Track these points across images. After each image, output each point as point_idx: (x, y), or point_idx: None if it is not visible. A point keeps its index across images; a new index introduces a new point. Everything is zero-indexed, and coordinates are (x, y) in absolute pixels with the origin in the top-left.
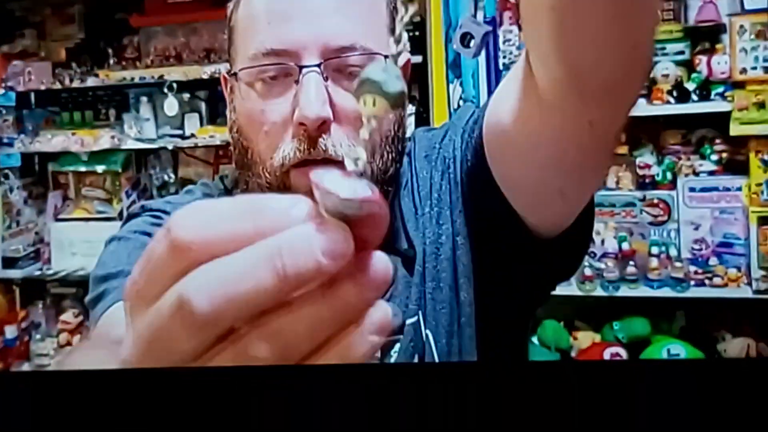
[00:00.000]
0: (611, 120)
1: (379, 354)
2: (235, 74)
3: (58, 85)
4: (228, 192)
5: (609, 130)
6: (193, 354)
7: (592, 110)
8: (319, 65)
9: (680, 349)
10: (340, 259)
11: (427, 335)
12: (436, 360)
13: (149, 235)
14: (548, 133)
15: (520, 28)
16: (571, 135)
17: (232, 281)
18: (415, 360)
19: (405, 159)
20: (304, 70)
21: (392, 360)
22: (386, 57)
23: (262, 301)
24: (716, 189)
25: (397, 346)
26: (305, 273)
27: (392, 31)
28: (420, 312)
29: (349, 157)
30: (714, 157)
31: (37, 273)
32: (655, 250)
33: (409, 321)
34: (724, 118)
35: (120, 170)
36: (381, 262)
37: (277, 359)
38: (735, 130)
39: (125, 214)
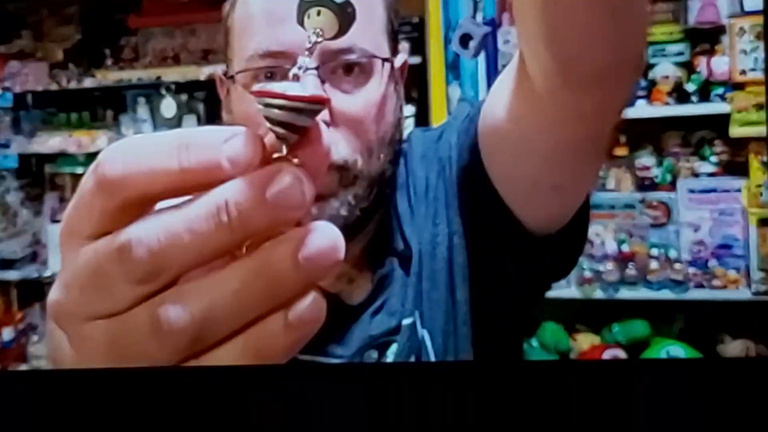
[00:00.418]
0: (605, 112)
1: (376, 354)
2: (231, 77)
3: (55, 86)
4: None
5: (604, 122)
6: (129, 300)
7: (584, 101)
8: (316, 68)
9: (680, 351)
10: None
11: (423, 335)
12: (432, 359)
13: None
14: (543, 127)
15: None
16: (564, 129)
17: (172, 230)
18: (412, 360)
19: (401, 160)
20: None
21: (389, 360)
22: (384, 60)
23: (205, 249)
24: (716, 190)
25: (394, 346)
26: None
27: (390, 33)
28: (417, 312)
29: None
30: (714, 159)
31: (34, 275)
32: (654, 252)
33: (405, 321)
34: (723, 119)
35: None
36: (324, 236)
37: (195, 330)
38: (735, 131)
39: None
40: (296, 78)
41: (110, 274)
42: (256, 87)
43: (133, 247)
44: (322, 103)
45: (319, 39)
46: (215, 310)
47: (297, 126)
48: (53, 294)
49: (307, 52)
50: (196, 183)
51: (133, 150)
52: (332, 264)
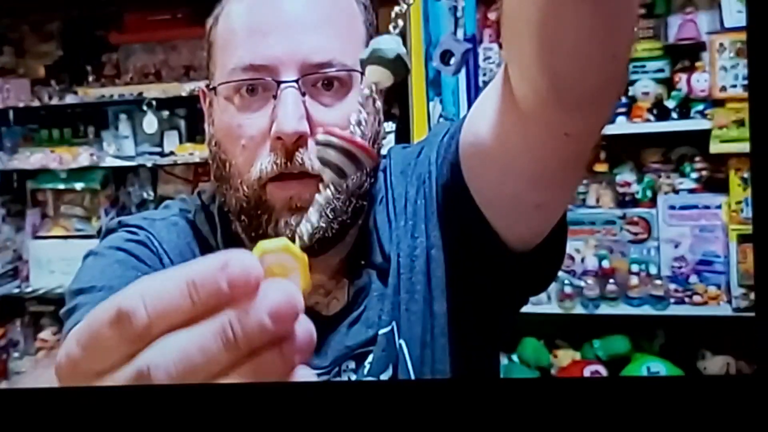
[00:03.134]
0: (590, 132)
1: (353, 365)
2: (213, 88)
3: (36, 103)
4: (205, 207)
5: (587, 142)
6: None
7: (572, 121)
8: (297, 80)
9: (660, 367)
10: (287, 320)
11: (400, 345)
12: (410, 369)
13: (125, 251)
14: (528, 146)
15: (500, 46)
16: (550, 148)
17: (185, 356)
18: (389, 369)
19: (381, 175)
20: (282, 86)
21: (366, 370)
22: (363, 74)
23: (217, 369)
24: (696, 207)
25: (371, 356)
26: (253, 338)
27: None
28: (394, 323)
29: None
30: (694, 175)
31: (16, 291)
32: (635, 268)
33: (381, 331)
34: (704, 135)
35: (99, 188)
36: (305, 329)
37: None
38: (715, 148)
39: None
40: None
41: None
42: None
43: (151, 373)
44: (372, 158)
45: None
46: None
47: (344, 171)
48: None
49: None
50: (208, 310)
51: (150, 297)
52: (312, 348)
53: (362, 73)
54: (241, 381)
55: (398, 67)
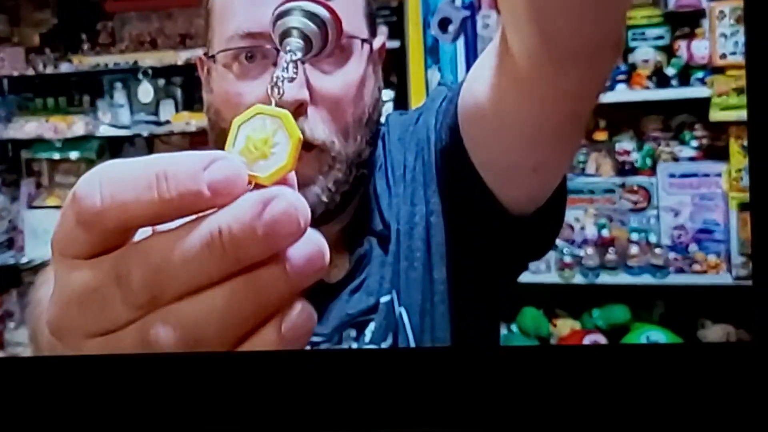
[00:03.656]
0: (585, 91)
1: (354, 333)
2: (212, 56)
3: (31, 71)
4: None
5: (584, 102)
6: (124, 321)
7: (566, 78)
8: None
9: (660, 336)
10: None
11: (400, 313)
12: (410, 337)
13: None
14: (525, 106)
15: (498, 12)
16: (546, 108)
17: (170, 260)
18: (390, 337)
19: (379, 143)
20: (281, 53)
21: (367, 338)
22: (363, 41)
23: (202, 277)
24: (696, 175)
25: (372, 324)
26: (245, 248)
27: (368, 15)
28: (394, 290)
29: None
30: (694, 143)
31: (11, 261)
32: (635, 236)
33: (383, 299)
34: (704, 103)
35: (95, 157)
36: (313, 245)
37: (184, 348)
38: (715, 115)
39: None
40: None
41: (108, 299)
42: None
43: (132, 276)
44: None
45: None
46: (204, 327)
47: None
48: (52, 310)
49: None
50: (177, 211)
51: (109, 181)
52: (319, 270)
53: None
54: (234, 298)
55: None
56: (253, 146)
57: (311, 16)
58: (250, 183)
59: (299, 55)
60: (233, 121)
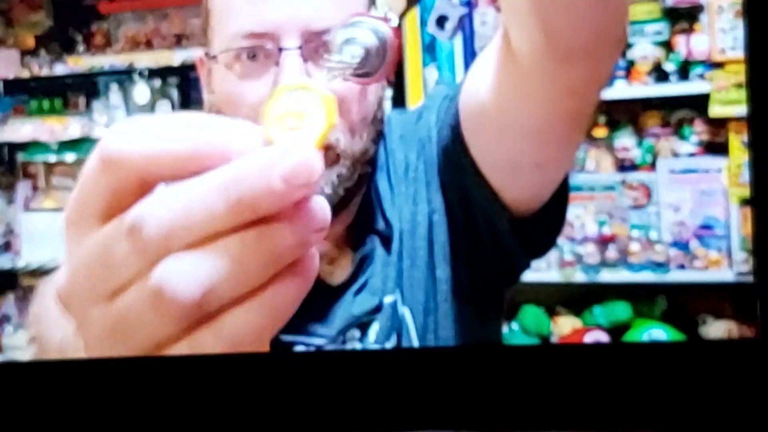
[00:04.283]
0: (588, 88)
1: (359, 334)
2: (214, 57)
3: (26, 73)
4: None
5: (586, 99)
6: (134, 274)
7: (570, 74)
8: (299, 47)
9: (662, 333)
10: (304, 184)
11: (404, 313)
12: (414, 337)
13: None
14: (528, 102)
15: (497, 10)
16: (548, 105)
17: (182, 209)
18: (393, 337)
19: (380, 141)
20: (284, 53)
21: (371, 338)
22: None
23: (214, 227)
24: (696, 171)
25: (376, 324)
26: (261, 201)
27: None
28: (398, 290)
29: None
30: (694, 139)
31: (8, 264)
32: (635, 233)
33: (386, 299)
34: (703, 99)
35: None
36: (320, 205)
37: (192, 302)
38: (714, 111)
39: None
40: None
41: (119, 253)
42: None
43: (143, 225)
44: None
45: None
46: (213, 276)
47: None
48: (60, 281)
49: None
50: (206, 165)
51: (139, 129)
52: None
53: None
54: (245, 247)
55: None
56: (291, 123)
57: (376, 33)
58: None
59: (355, 61)
60: (264, 111)
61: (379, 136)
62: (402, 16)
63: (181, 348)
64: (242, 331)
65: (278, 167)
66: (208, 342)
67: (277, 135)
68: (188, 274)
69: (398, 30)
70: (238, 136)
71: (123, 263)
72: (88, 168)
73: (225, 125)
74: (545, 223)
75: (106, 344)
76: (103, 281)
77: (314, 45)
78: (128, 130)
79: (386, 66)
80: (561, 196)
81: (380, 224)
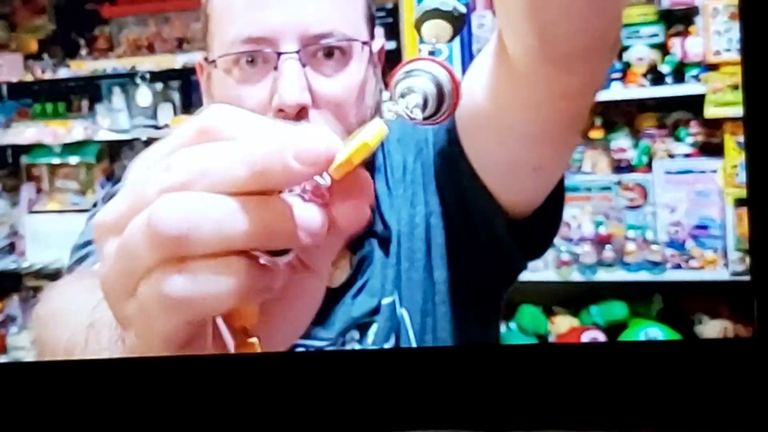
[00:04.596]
0: (583, 90)
1: (358, 335)
2: (212, 61)
3: (30, 77)
4: None
5: (583, 102)
6: (152, 264)
7: (564, 79)
8: (297, 51)
9: (658, 332)
10: (314, 164)
11: (402, 314)
12: (412, 338)
13: None
14: (523, 106)
15: (494, 14)
16: (544, 108)
17: (210, 162)
18: (392, 339)
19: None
20: (283, 57)
21: (370, 340)
22: (364, 44)
23: (229, 187)
24: (692, 171)
25: (375, 326)
26: (274, 173)
27: (368, 17)
28: (396, 292)
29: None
30: (689, 140)
31: (12, 266)
32: (631, 233)
33: (385, 301)
34: (698, 100)
35: (94, 162)
36: (320, 217)
37: (172, 235)
38: (710, 112)
39: (100, 202)
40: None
41: (148, 188)
42: None
43: (173, 167)
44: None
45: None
46: (207, 218)
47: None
48: (100, 212)
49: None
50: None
51: (241, 114)
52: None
53: (419, 32)
54: (241, 207)
55: (456, 19)
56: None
57: (423, 74)
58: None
59: (413, 114)
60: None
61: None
62: (449, 41)
63: (148, 284)
64: (193, 287)
65: (295, 146)
66: (173, 284)
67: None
68: (179, 210)
69: (451, 69)
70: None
71: (150, 194)
72: (183, 129)
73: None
74: (542, 224)
75: (102, 283)
76: (130, 212)
77: (312, 49)
78: (228, 112)
79: (448, 108)
80: (557, 197)
81: (379, 226)
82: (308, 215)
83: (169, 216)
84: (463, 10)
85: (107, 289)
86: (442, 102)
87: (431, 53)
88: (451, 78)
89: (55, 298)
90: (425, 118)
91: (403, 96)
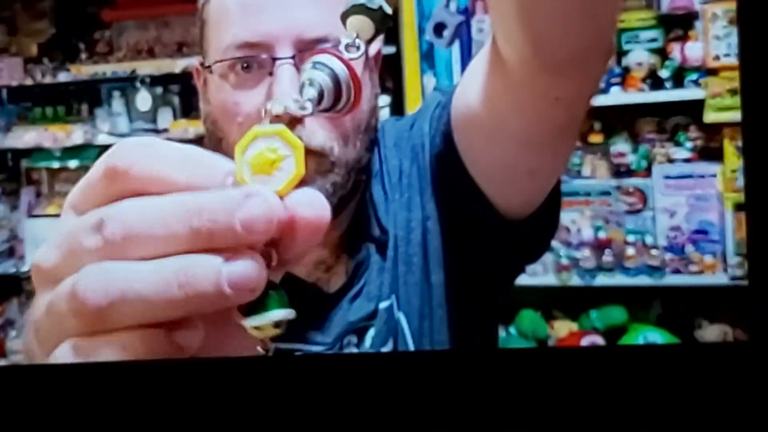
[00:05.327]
0: (578, 96)
1: (355, 339)
2: (208, 67)
3: (29, 81)
4: None
5: (577, 107)
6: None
7: (559, 85)
8: (292, 57)
9: (657, 337)
10: (260, 232)
11: (399, 318)
12: (410, 341)
13: None
14: (518, 111)
15: None
16: (539, 113)
17: (147, 221)
18: (390, 343)
19: (375, 148)
20: (278, 62)
21: (368, 344)
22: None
23: (168, 247)
24: (691, 176)
25: (372, 330)
26: (219, 236)
27: None
28: (393, 296)
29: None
30: (689, 145)
31: (12, 270)
32: (631, 238)
33: (382, 305)
34: (698, 105)
35: None
36: (256, 272)
37: (96, 308)
38: (709, 117)
39: None
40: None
41: (83, 243)
42: None
43: (108, 223)
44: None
45: (362, 47)
46: (131, 290)
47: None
48: (38, 252)
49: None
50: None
51: (145, 149)
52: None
53: (344, 24)
54: (209, 271)
55: (380, 16)
56: (261, 168)
57: (323, 68)
58: None
59: (308, 105)
60: (236, 148)
61: (372, 144)
62: (370, 42)
63: (66, 347)
64: (126, 353)
65: (242, 211)
66: (101, 351)
67: (248, 177)
68: (104, 282)
69: (362, 61)
70: (226, 175)
71: (83, 253)
72: (93, 170)
73: (220, 162)
74: (538, 228)
75: (33, 325)
76: (64, 263)
77: (308, 54)
78: (135, 147)
79: (347, 103)
80: (553, 201)
81: (375, 231)
82: (240, 272)
83: (93, 289)
84: (389, 11)
85: (36, 336)
86: (339, 97)
87: (348, 45)
88: (351, 74)
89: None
90: (322, 110)
91: (302, 86)
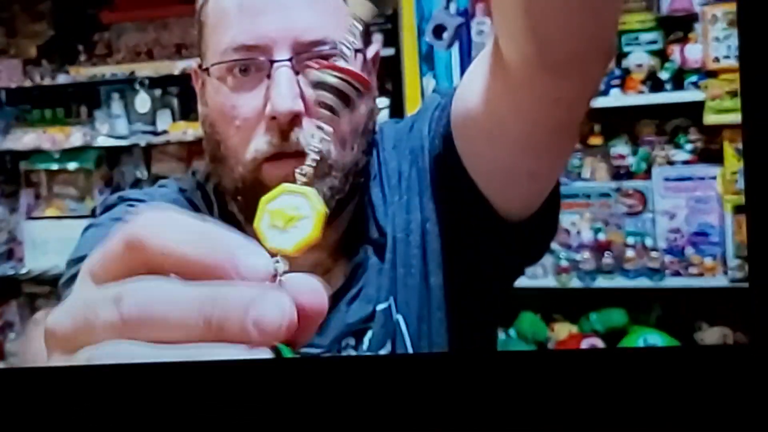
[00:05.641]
0: (578, 97)
1: (353, 341)
2: (206, 69)
3: (28, 83)
4: (200, 186)
5: (577, 109)
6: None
7: (559, 85)
8: (290, 59)
9: (657, 339)
10: (270, 334)
11: (398, 320)
12: (408, 343)
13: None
14: (518, 113)
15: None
16: (540, 114)
17: (163, 305)
18: (388, 345)
19: (373, 151)
20: (276, 65)
21: (365, 346)
22: (357, 51)
23: (182, 334)
24: (691, 178)
25: (370, 332)
26: (230, 331)
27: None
28: (391, 298)
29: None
30: (688, 147)
31: (11, 272)
32: (630, 240)
33: (380, 307)
34: (698, 107)
35: (93, 168)
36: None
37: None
38: (709, 119)
39: (98, 209)
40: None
41: (99, 316)
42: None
43: (126, 302)
44: (364, 84)
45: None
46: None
47: (346, 95)
48: (53, 316)
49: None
50: (209, 277)
51: (165, 226)
52: (277, 334)
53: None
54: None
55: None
56: (279, 222)
57: (321, 85)
58: (274, 255)
59: (324, 129)
60: (261, 200)
61: (370, 147)
62: (368, 26)
63: None
64: None
65: (255, 310)
66: None
67: (264, 226)
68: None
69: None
70: (246, 258)
71: (99, 326)
72: (114, 240)
73: (239, 245)
74: (538, 230)
75: None
76: (79, 333)
77: (305, 56)
78: (155, 221)
79: (355, 101)
80: (553, 203)
81: (374, 233)
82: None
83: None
84: None
85: None
86: (348, 101)
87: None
88: (351, 75)
89: (38, 338)
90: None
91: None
